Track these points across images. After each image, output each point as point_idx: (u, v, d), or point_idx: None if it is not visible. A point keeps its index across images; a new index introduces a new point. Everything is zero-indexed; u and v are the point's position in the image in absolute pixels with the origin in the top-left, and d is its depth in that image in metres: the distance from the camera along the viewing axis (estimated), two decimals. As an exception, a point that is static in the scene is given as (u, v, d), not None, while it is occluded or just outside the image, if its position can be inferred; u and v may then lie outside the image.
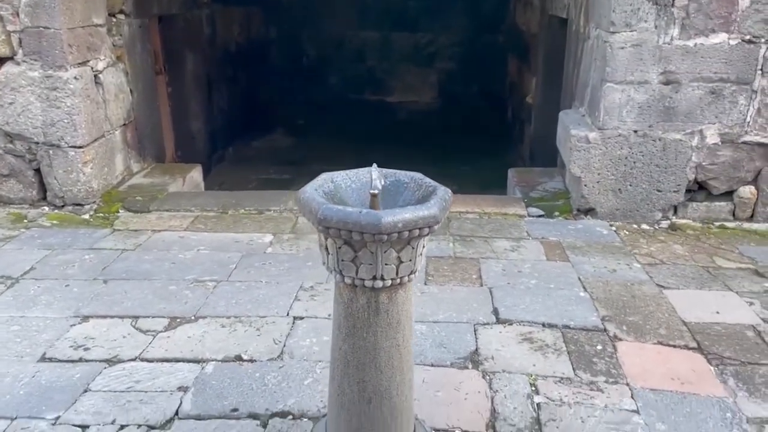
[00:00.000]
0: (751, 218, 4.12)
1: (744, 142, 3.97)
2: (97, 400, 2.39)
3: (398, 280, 1.60)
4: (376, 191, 1.59)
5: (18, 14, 3.99)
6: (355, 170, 1.74)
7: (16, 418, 2.29)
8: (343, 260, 1.58)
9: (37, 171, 4.31)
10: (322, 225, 1.51)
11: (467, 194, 4.64)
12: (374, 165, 1.61)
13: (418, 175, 1.74)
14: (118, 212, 4.28)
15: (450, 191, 1.65)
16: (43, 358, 2.66)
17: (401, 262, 1.57)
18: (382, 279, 1.58)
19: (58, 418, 2.29)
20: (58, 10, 3.93)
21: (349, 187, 1.70)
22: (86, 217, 4.23)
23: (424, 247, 1.65)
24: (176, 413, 2.31)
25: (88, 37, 4.28)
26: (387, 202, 1.65)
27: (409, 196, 1.67)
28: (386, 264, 1.56)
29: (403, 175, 1.74)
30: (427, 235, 1.57)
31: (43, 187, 4.35)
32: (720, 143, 3.98)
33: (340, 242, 1.55)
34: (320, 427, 1.92)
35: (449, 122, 8.89)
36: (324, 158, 6.96)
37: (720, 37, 3.78)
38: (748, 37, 3.76)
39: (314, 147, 7.60)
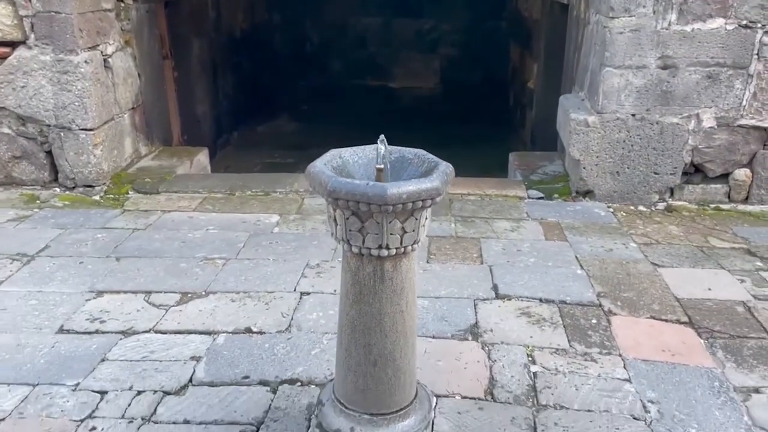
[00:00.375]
0: (746, 200, 4.22)
1: (740, 126, 4.06)
2: (114, 368, 2.51)
3: (402, 250, 1.71)
4: (382, 166, 1.70)
5: (29, -1, 4.08)
6: (362, 147, 1.85)
7: (37, 384, 2.42)
8: (350, 230, 1.68)
9: (49, 153, 4.42)
10: (332, 197, 1.61)
11: (469, 177, 4.73)
12: (382, 138, 1.71)
13: (421, 152, 1.84)
14: (127, 193, 4.39)
15: (451, 166, 1.75)
16: (61, 330, 2.78)
17: (405, 232, 1.68)
18: (387, 248, 1.68)
19: (77, 384, 2.41)
20: (69, -6, 4.02)
21: (357, 162, 1.81)
22: (97, 198, 4.35)
23: (426, 218, 1.75)
24: (190, 380, 2.43)
25: (98, 22, 4.37)
26: (392, 177, 1.75)
27: (413, 171, 1.78)
28: (391, 234, 1.66)
29: (408, 151, 1.84)
30: (430, 206, 1.68)
31: (54, 169, 4.46)
32: (716, 127, 4.07)
33: (348, 213, 1.65)
34: (328, 389, 2.04)
35: (452, 108, 8.97)
36: (327, 143, 6.96)
37: (717, 23, 3.86)
38: (744, 22, 3.84)
39: (318, 132, 7.68)
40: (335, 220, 1.72)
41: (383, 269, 1.74)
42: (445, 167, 1.72)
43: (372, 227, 1.65)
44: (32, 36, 4.15)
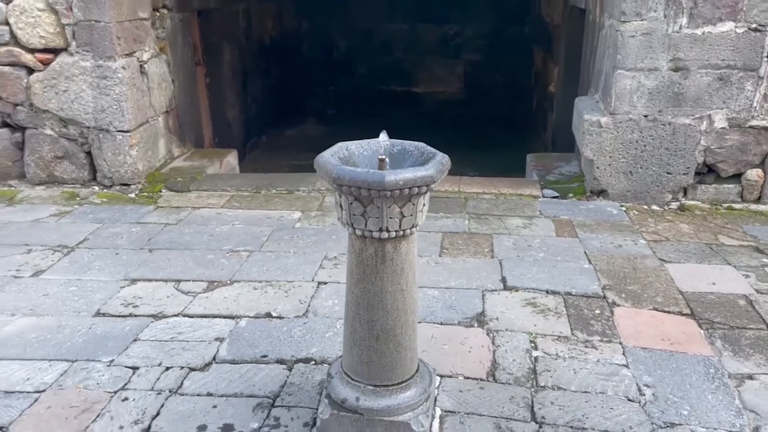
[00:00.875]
0: (758, 200, 4.28)
1: (751, 127, 4.13)
2: (145, 347, 2.73)
3: (401, 233, 1.88)
4: (383, 156, 1.87)
5: (71, 9, 4.37)
6: (367, 140, 2.03)
7: (76, 360, 2.64)
8: (354, 215, 1.86)
9: (88, 153, 4.71)
10: (336, 183, 1.79)
11: (497, 177, 4.87)
12: (384, 132, 1.89)
13: (421, 144, 2.01)
14: (160, 191, 4.65)
15: (447, 157, 1.92)
16: (98, 314, 3.01)
17: (404, 216, 1.85)
18: (387, 231, 1.86)
19: (112, 360, 2.64)
20: (108, 5, 4.30)
21: (362, 154, 1.99)
22: (132, 195, 4.61)
23: (424, 205, 1.92)
24: (214, 358, 2.64)
25: (135, 30, 4.65)
26: (394, 166, 1.92)
27: (413, 162, 1.95)
28: (390, 218, 1.84)
29: (409, 144, 2.01)
30: (426, 192, 1.85)
31: (93, 168, 4.75)
32: (728, 127, 4.15)
33: (351, 198, 1.83)
34: (336, 364, 2.21)
35: (475, 112, 9.11)
36: (353, 146, 7.27)
37: (727, 26, 3.95)
38: (754, 25, 3.92)
39: (343, 136, 7.77)
40: (341, 205, 1.90)
41: (384, 251, 1.91)
42: (441, 157, 1.88)
43: (373, 212, 1.83)
44: (74, 43, 4.44)
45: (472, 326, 2.86)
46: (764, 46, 3.94)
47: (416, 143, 2.03)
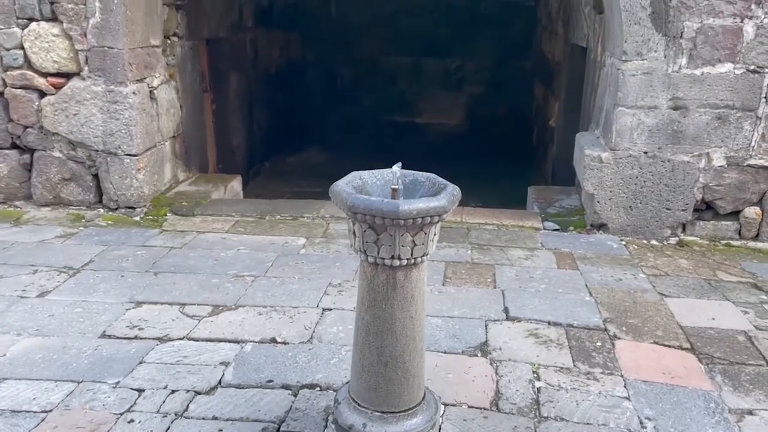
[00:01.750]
0: (756, 237, 4.34)
1: (749, 165, 4.21)
2: (151, 369, 2.75)
3: (413, 261, 1.93)
4: (396, 186, 1.93)
5: (85, 35, 4.47)
6: (380, 170, 2.09)
7: (82, 381, 2.66)
8: (367, 242, 1.91)
9: (95, 176, 4.77)
10: (351, 211, 1.85)
11: (499, 209, 4.94)
12: (398, 164, 1.95)
13: (432, 175, 2.07)
14: (166, 215, 4.70)
15: (458, 188, 1.98)
16: (103, 335, 3.03)
17: (415, 245, 1.90)
18: (399, 258, 1.91)
19: (118, 382, 2.65)
20: (121, 32, 4.40)
21: (375, 183, 2.04)
22: (137, 219, 4.66)
23: (435, 234, 1.97)
24: (219, 382, 2.65)
25: (146, 57, 4.75)
26: (406, 197, 1.98)
27: (424, 192, 2.01)
28: (403, 246, 1.89)
29: (420, 175, 2.08)
30: (438, 222, 1.90)
31: (99, 191, 4.80)
32: (726, 166, 4.23)
33: (365, 226, 1.88)
34: (344, 390, 2.24)
35: (476, 144, 9.22)
36: (354, 174, 7.34)
37: (726, 67, 4.06)
38: (752, 67, 4.04)
39: (346, 164, 7.90)
40: (354, 232, 1.95)
41: (395, 278, 1.95)
42: (452, 189, 1.94)
43: (386, 239, 1.88)
44: (86, 68, 4.53)
45: (476, 356, 2.89)
46: (762, 87, 4.05)
47: (427, 174, 2.09)
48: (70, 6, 4.40)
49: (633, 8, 4.05)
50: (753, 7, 3.92)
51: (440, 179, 2.04)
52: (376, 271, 1.96)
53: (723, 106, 4.13)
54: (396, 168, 1.96)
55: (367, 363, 2.06)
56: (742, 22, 3.96)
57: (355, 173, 2.05)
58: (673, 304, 3.45)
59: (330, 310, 3.29)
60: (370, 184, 2.04)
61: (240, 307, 3.32)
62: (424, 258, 1.96)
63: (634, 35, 4.08)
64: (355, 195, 1.86)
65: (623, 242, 4.35)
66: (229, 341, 2.98)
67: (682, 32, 4.03)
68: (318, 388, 2.62)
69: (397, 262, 1.91)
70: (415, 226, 1.85)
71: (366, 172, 2.07)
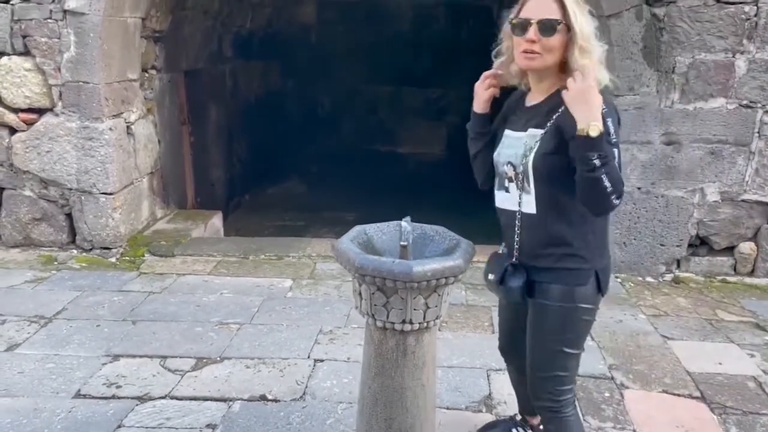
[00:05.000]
0: (752, 273, 4.27)
1: (743, 200, 4.16)
2: (131, 435, 2.53)
3: (425, 324, 1.77)
4: (406, 243, 1.78)
5: (59, 69, 4.27)
6: (386, 223, 1.94)
7: (54, 450, 2.43)
8: (375, 305, 1.75)
9: (68, 215, 4.53)
10: (359, 273, 1.69)
11: (480, 245, 4.80)
12: (407, 218, 1.80)
13: (441, 229, 1.93)
14: (143, 256, 4.47)
15: (472, 244, 1.84)
16: (78, 395, 2.80)
17: (428, 307, 1.75)
18: (411, 323, 1.75)
19: (94, 451, 2.43)
20: (98, 66, 4.22)
21: (380, 238, 1.89)
22: (113, 260, 4.42)
23: (448, 294, 1.82)
24: (206, 449, 2.45)
25: (123, 91, 4.56)
26: (414, 253, 1.83)
27: (435, 248, 1.86)
28: (415, 309, 1.73)
29: (429, 228, 1.93)
30: (453, 283, 1.75)
31: (72, 231, 4.56)
32: (720, 201, 4.17)
33: (373, 288, 1.73)
34: (347, 461, 2.06)
35: (458, 174, 9.11)
36: (336, 206, 7.18)
37: (718, 102, 4.02)
38: (745, 101, 4.00)
39: (327, 194, 7.82)
40: (360, 294, 1.79)
41: (406, 344, 1.79)
42: (467, 245, 1.80)
43: (396, 302, 1.72)
44: (60, 104, 4.33)
45: (480, 411, 2.72)
46: (755, 122, 4.01)
47: (436, 227, 1.95)
48: (43, 40, 4.21)
49: (624, 43, 4.00)
50: (745, 42, 3.90)
51: (451, 233, 1.90)
52: (384, 336, 1.80)
53: (716, 141, 4.08)
54: (405, 222, 1.82)
55: (374, 435, 1.88)
56: (734, 57, 3.94)
57: (359, 228, 1.90)
58: (677, 347, 3.34)
59: (322, 361, 3.10)
60: (376, 240, 1.89)
61: (226, 359, 3.11)
62: (437, 321, 1.80)
63: (627, 70, 4.03)
64: (363, 255, 1.70)
65: (618, 279, 4.25)
66: (216, 399, 2.77)
67: (674, 67, 3.99)
68: (314, 454, 2.43)
69: (408, 327, 1.75)
70: (428, 288, 1.70)
71: (370, 226, 1.92)
